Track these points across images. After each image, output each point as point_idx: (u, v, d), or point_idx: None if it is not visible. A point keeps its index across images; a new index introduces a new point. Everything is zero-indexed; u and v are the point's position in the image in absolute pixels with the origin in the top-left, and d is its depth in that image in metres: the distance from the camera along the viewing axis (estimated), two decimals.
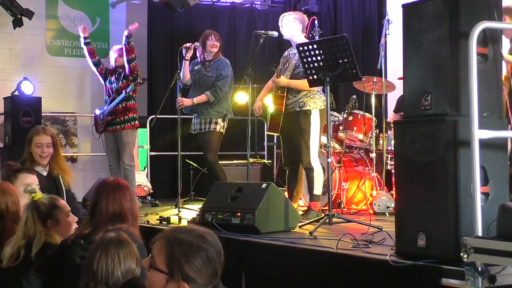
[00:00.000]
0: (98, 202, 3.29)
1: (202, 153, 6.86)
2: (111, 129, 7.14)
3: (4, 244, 3.38)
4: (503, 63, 3.64)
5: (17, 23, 8.17)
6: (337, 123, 7.04)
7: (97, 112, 7.28)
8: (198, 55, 6.83)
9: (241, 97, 7.68)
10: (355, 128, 6.90)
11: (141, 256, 2.77)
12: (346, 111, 7.00)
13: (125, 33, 7.09)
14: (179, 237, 2.29)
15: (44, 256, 3.22)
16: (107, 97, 7.22)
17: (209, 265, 2.26)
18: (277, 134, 6.16)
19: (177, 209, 6.29)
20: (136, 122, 7.17)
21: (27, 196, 3.51)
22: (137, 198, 7.22)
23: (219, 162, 6.86)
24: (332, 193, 5.42)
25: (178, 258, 2.24)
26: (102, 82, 7.31)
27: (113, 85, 7.18)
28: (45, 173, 5.01)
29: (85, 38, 7.35)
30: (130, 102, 7.11)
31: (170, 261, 2.25)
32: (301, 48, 5.34)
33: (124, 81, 7.08)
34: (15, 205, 3.70)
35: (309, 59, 5.29)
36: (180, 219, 5.54)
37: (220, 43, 6.78)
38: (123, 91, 7.01)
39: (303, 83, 5.73)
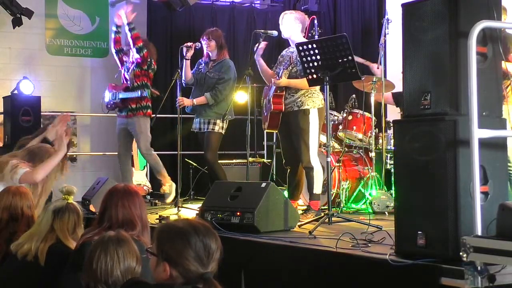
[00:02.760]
0: (108, 208, 3.29)
1: (201, 152, 6.87)
2: (124, 115, 7.12)
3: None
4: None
5: (17, 22, 8.17)
6: (336, 122, 7.04)
7: (108, 94, 7.21)
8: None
9: (240, 97, 7.68)
10: (354, 127, 6.90)
11: (146, 267, 2.77)
12: (346, 110, 7.00)
13: (124, 22, 7.05)
14: (171, 223, 2.48)
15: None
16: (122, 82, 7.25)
17: (190, 250, 2.34)
18: (276, 131, 6.15)
19: (176, 208, 6.29)
20: (149, 110, 7.05)
21: (62, 196, 3.48)
22: None
23: (219, 161, 6.87)
24: (331, 193, 5.42)
25: (163, 239, 2.41)
26: (121, 69, 7.28)
27: (126, 73, 7.16)
28: None
29: (117, 26, 7.30)
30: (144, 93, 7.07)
31: (158, 242, 2.42)
32: (300, 47, 5.34)
33: (137, 69, 7.00)
34: (30, 209, 3.73)
35: (309, 58, 5.29)
36: (179, 218, 5.54)
37: (215, 42, 6.69)
38: (139, 90, 6.95)
39: (302, 82, 5.72)
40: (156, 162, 7.10)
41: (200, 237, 2.37)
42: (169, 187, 7.02)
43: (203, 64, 6.81)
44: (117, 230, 2.89)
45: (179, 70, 6.65)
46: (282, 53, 6.19)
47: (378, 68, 6.96)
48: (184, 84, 6.78)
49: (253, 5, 10.29)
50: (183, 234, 2.37)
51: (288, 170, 6.09)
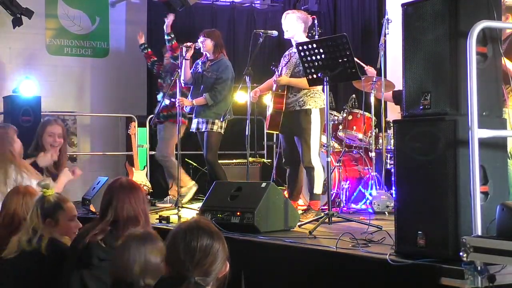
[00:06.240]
0: (112, 202, 3.26)
1: (201, 152, 6.87)
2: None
3: None
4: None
5: (17, 22, 8.16)
6: (336, 122, 7.04)
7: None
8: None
9: (240, 97, 7.68)
10: (354, 127, 6.91)
11: None
12: (346, 110, 7.01)
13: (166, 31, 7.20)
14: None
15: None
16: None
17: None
18: (277, 132, 6.17)
19: (176, 208, 6.29)
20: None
21: (40, 190, 3.53)
22: None
23: (219, 161, 6.86)
24: (331, 193, 5.42)
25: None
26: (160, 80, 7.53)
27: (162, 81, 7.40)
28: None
29: (141, 44, 7.57)
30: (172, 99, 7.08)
31: None
32: (300, 47, 5.34)
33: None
34: None
35: (309, 58, 5.29)
36: (179, 218, 5.54)
37: (210, 40, 6.72)
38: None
39: (303, 81, 5.72)
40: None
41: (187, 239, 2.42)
42: (187, 189, 7.13)
43: (200, 64, 6.82)
44: (145, 230, 2.92)
45: (178, 70, 6.65)
46: (285, 53, 6.17)
47: (367, 69, 6.97)
48: (183, 84, 6.78)
49: (253, 5, 10.29)
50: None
51: (287, 170, 6.09)
